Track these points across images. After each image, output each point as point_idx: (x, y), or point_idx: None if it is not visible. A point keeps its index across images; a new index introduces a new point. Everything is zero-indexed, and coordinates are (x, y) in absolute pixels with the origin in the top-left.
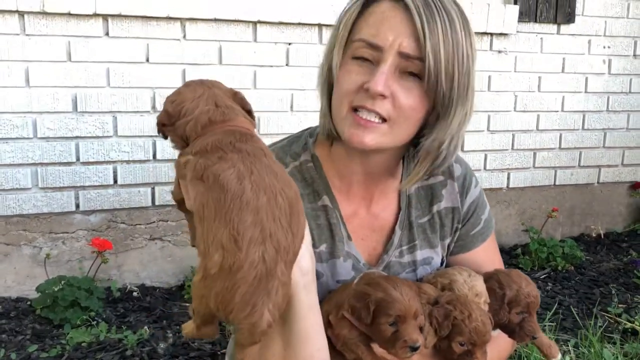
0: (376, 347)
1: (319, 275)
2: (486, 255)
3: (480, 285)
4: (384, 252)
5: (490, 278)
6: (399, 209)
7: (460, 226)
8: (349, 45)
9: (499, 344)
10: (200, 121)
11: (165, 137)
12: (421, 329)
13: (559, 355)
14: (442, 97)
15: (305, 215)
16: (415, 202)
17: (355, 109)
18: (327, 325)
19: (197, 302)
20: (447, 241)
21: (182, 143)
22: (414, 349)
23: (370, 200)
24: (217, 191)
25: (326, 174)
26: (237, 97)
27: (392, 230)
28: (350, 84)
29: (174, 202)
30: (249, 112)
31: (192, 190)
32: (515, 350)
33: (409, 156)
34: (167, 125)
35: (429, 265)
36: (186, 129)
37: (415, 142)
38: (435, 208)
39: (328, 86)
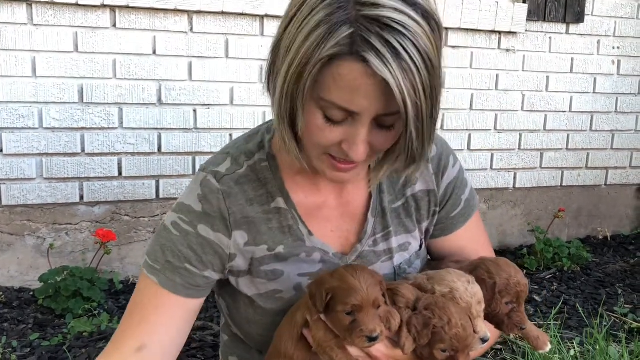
0: (351, 349)
1: (279, 274)
2: (469, 236)
3: (479, 290)
4: (357, 242)
5: (477, 267)
6: (371, 194)
7: (438, 209)
8: (314, 94)
9: None
10: None
11: None
12: (397, 329)
13: (548, 347)
14: (411, 134)
15: (254, 221)
16: (388, 187)
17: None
18: (305, 324)
19: None
20: (425, 224)
21: None
22: (372, 339)
23: (341, 188)
24: None
25: (285, 171)
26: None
27: (365, 218)
28: (325, 142)
29: (177, 196)
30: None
31: None
32: (519, 346)
33: None
34: None
35: (406, 252)
36: None
37: None
38: (409, 191)
39: (290, 110)
